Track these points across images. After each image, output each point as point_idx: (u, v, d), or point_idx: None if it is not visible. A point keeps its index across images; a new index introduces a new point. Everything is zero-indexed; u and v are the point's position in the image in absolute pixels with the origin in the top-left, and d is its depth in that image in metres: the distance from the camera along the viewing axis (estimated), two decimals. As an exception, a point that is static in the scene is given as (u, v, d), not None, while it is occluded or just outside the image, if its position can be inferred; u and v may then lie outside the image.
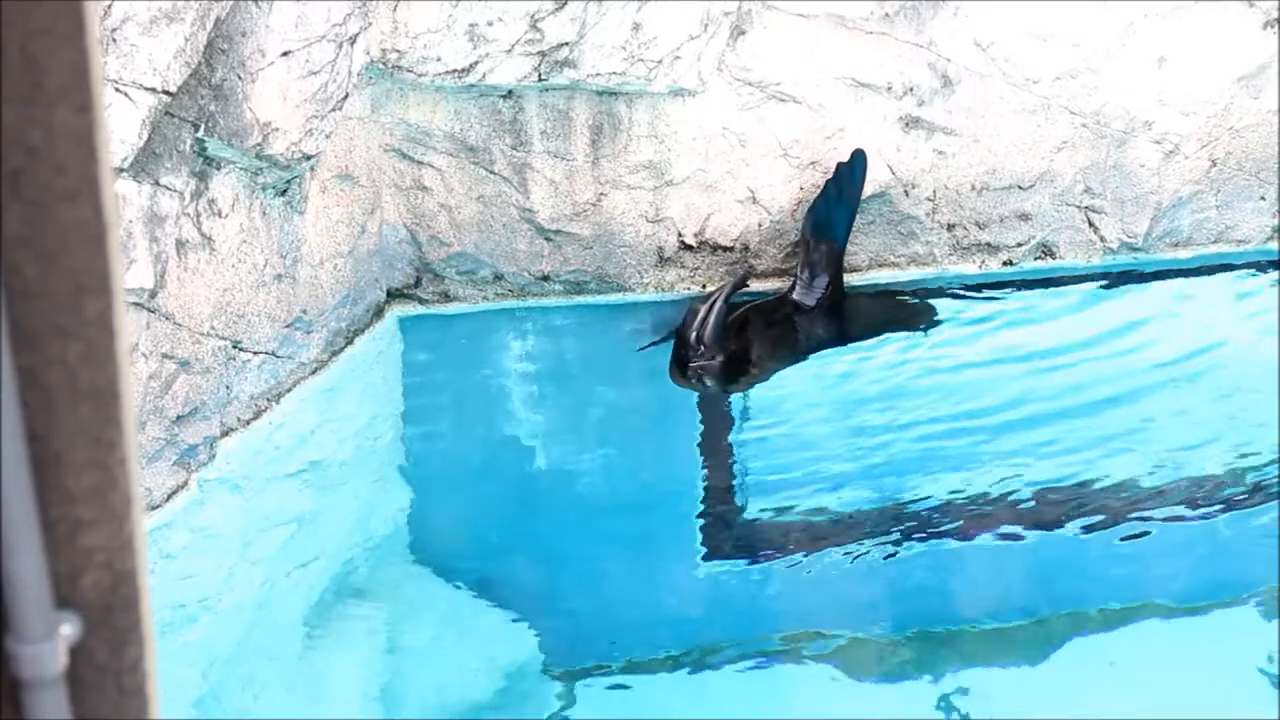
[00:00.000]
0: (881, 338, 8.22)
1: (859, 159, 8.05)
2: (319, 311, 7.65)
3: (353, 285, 7.86)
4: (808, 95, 8.01)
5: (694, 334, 7.84)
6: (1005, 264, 8.51)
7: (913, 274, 8.46)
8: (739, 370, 7.95)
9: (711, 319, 7.83)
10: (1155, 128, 8.31)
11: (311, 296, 7.59)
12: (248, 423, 7.39)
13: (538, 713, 6.63)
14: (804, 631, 6.99)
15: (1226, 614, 7.02)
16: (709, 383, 7.92)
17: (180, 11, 6.30)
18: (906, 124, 8.13)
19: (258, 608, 6.94)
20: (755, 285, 8.31)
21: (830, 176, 8.06)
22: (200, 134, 6.67)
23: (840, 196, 8.12)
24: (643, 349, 8.07)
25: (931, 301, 8.39)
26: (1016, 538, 7.29)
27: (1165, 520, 7.38)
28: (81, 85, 1.44)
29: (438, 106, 7.81)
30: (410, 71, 7.56)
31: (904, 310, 8.36)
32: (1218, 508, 7.45)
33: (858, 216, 8.22)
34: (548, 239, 8.13)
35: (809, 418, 7.86)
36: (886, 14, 7.93)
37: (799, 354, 8.09)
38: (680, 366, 7.91)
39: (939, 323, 8.28)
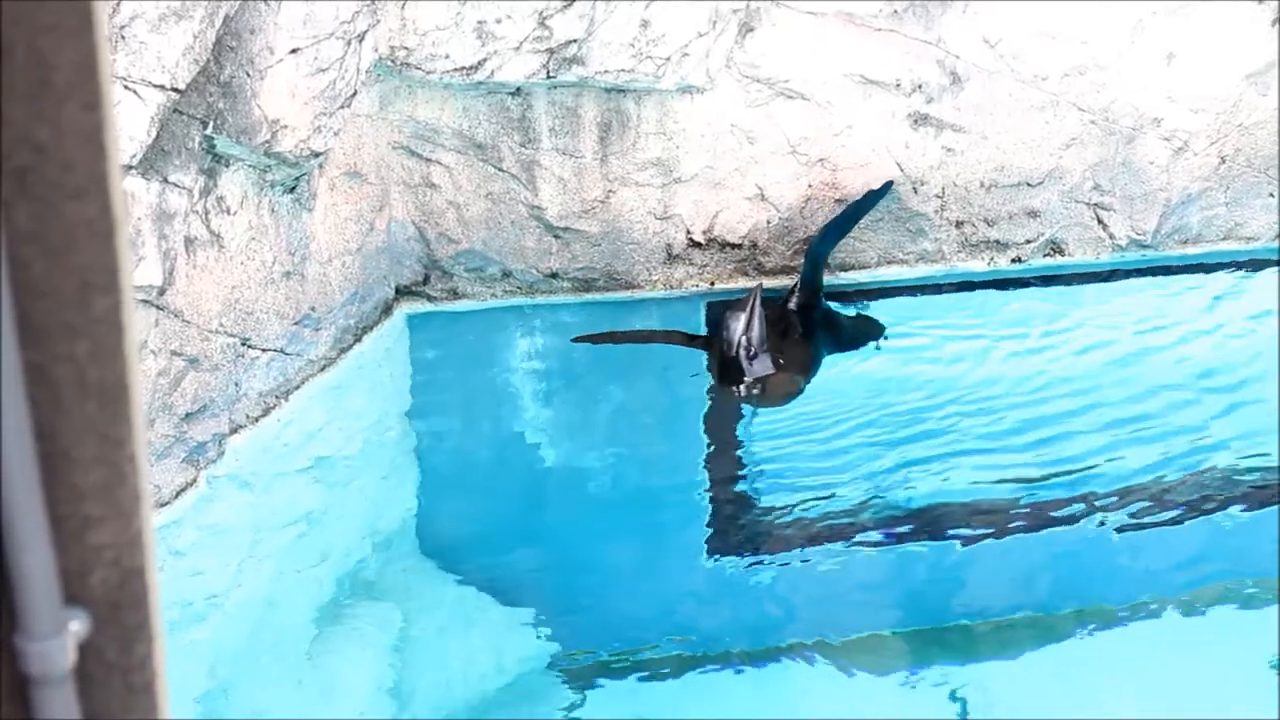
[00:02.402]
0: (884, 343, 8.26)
1: (884, 189, 8.09)
2: (327, 309, 7.65)
3: (361, 282, 7.86)
4: (816, 92, 8.01)
5: (743, 340, 7.69)
6: (1014, 261, 8.50)
7: (921, 271, 8.46)
8: (785, 379, 7.84)
9: (757, 325, 7.70)
10: (1164, 125, 8.30)
11: (320, 294, 7.59)
12: (256, 420, 7.40)
13: (545, 709, 6.63)
14: (810, 628, 6.99)
15: (1233, 612, 7.02)
16: (764, 393, 7.79)
17: (189, 9, 6.31)
18: (915, 121, 8.13)
19: (266, 604, 6.95)
20: (763, 282, 8.31)
21: (859, 197, 8.11)
22: (209, 131, 6.68)
23: (852, 215, 8.14)
24: (577, 340, 8.02)
25: (876, 315, 8.35)
26: (1022, 535, 7.29)
27: (1171, 518, 7.38)
28: (90, 82, 1.44)
29: (446, 104, 7.81)
30: (419, 69, 7.56)
31: (858, 325, 8.33)
32: (1224, 505, 7.44)
33: (866, 215, 8.23)
34: (556, 236, 8.12)
35: (815, 416, 7.85)
36: (895, 11, 7.92)
37: (818, 362, 8.03)
38: (731, 378, 7.77)
39: (886, 337, 8.25)
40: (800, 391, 7.84)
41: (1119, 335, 8.30)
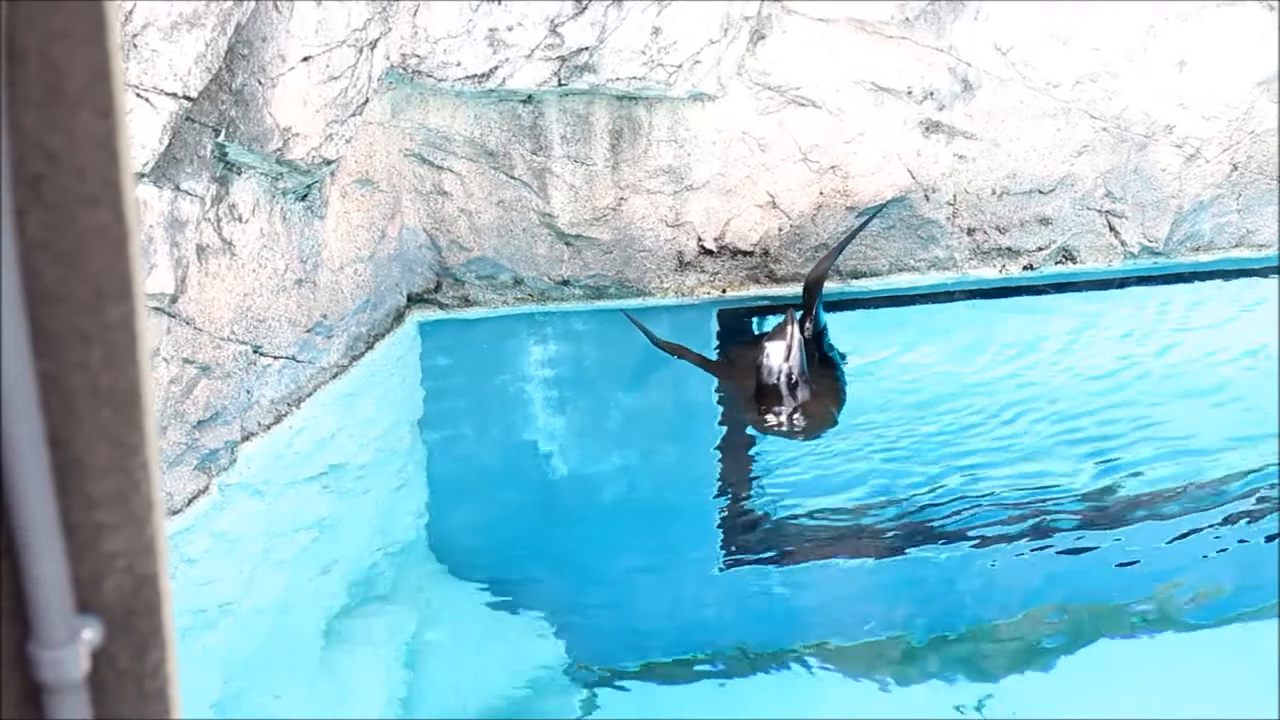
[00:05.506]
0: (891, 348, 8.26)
1: (875, 212, 8.12)
2: (339, 316, 7.66)
3: (373, 290, 7.86)
4: (827, 99, 8.00)
5: (786, 370, 7.57)
6: (1026, 268, 8.49)
7: (933, 278, 8.45)
8: (822, 408, 7.78)
9: (799, 353, 7.62)
10: (1176, 132, 8.29)
11: (332, 301, 7.59)
12: (268, 427, 7.40)
13: (558, 715, 6.63)
14: (823, 635, 6.98)
15: (1240, 617, 7.01)
16: (803, 423, 7.72)
17: (201, 17, 6.31)
18: (927, 128, 8.12)
19: (278, 611, 6.95)
20: (774, 290, 8.31)
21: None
22: (221, 139, 6.68)
23: (845, 244, 8.16)
24: (631, 320, 7.99)
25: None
26: (1031, 542, 7.28)
27: (1178, 524, 7.36)
28: (102, 89, 1.44)
29: (458, 111, 7.82)
30: (430, 76, 7.56)
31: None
32: (1232, 512, 7.43)
33: (877, 220, 8.22)
34: (567, 243, 8.13)
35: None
36: (906, 18, 7.92)
37: (845, 390, 7.98)
38: (772, 409, 7.68)
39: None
40: (835, 422, 7.77)
41: (1128, 341, 8.28)
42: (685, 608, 7.16)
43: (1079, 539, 7.29)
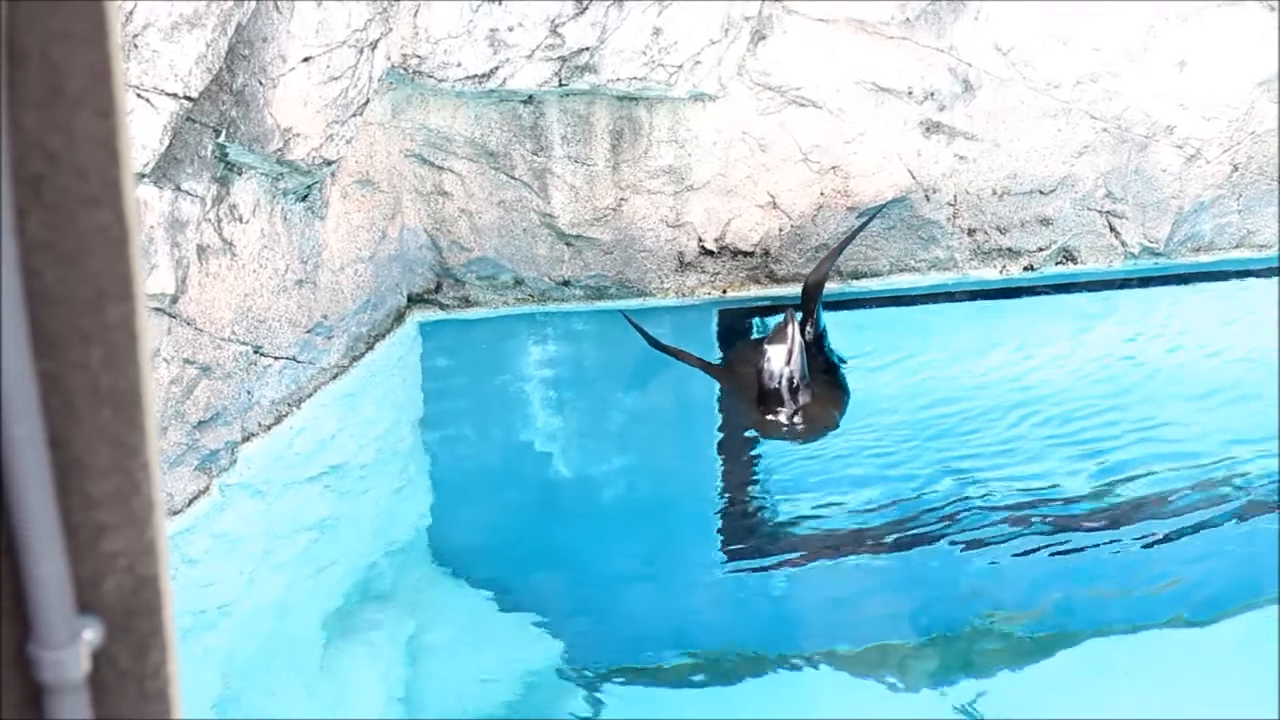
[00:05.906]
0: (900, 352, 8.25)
1: (874, 213, 8.10)
2: (340, 317, 7.66)
3: (373, 290, 7.86)
4: (828, 100, 8.00)
5: (788, 374, 7.54)
6: (1026, 269, 8.49)
7: (934, 279, 8.44)
8: (823, 411, 7.76)
9: (800, 357, 7.60)
10: (1176, 132, 8.29)
11: (332, 302, 7.59)
12: (269, 428, 7.40)
13: (558, 716, 6.63)
14: (824, 636, 6.98)
15: (1241, 618, 7.01)
16: (805, 427, 7.70)
17: (202, 17, 6.31)
18: (927, 129, 8.12)
19: (279, 612, 6.95)
20: (776, 290, 8.31)
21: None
22: (221, 139, 6.68)
23: (844, 246, 8.14)
24: (632, 323, 7.97)
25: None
26: (1033, 545, 7.28)
27: (1181, 527, 7.36)
28: (103, 89, 1.44)
29: (458, 112, 7.82)
30: (431, 77, 7.56)
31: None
32: (1232, 512, 7.43)
33: (877, 221, 8.22)
34: (568, 244, 8.12)
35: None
36: (907, 18, 7.91)
37: (848, 393, 7.96)
38: (773, 412, 7.64)
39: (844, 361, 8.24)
40: (837, 425, 7.76)
41: (1129, 342, 8.28)
42: (685, 609, 7.16)
43: (1079, 540, 7.29)
